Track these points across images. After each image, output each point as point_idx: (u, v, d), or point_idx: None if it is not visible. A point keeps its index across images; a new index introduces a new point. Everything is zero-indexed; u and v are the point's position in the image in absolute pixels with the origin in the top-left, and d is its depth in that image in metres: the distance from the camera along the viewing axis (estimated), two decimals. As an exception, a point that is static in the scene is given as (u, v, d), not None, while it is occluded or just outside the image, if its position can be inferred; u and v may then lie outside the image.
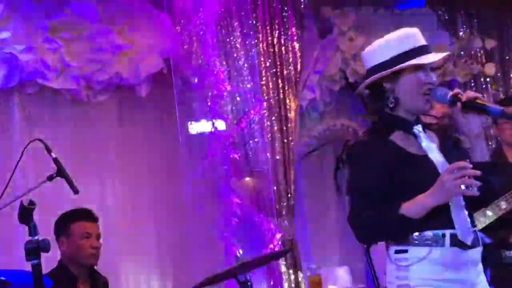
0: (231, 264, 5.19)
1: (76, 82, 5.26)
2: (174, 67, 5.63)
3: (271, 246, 5.65)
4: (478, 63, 6.76)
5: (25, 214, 3.31)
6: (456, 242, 2.99)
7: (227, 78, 5.73)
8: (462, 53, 6.70)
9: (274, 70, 6.01)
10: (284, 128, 5.96)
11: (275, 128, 5.92)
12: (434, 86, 3.14)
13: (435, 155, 3.09)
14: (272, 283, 5.77)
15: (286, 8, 6.11)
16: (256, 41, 5.93)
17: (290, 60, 6.09)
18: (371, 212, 2.98)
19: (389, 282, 3.09)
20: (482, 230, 4.95)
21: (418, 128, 3.13)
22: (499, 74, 6.97)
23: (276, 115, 5.93)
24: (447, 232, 2.99)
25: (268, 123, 5.91)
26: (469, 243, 3.00)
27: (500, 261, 4.91)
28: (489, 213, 4.77)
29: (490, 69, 6.73)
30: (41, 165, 4.47)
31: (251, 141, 5.79)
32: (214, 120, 5.69)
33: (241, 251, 5.45)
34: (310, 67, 6.24)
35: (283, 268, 5.76)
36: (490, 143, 6.62)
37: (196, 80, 5.66)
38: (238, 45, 5.83)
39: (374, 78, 3.13)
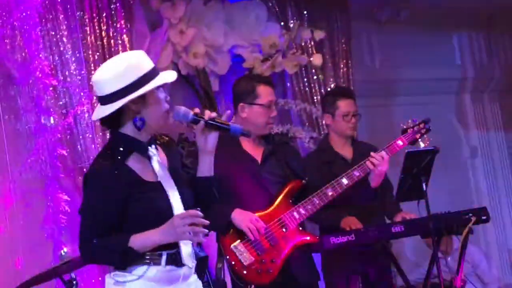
0: (60, 263, 5.06)
1: None
2: (-4, 62, 5.44)
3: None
4: (307, 54, 6.86)
5: None
6: (171, 260, 3.20)
7: (53, 72, 5.56)
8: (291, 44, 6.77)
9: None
10: (114, 121, 5.83)
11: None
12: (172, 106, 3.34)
13: (167, 182, 3.27)
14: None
15: (114, 0, 6.00)
16: (83, 34, 5.79)
17: (120, 53, 5.98)
18: (100, 242, 3.14)
19: None
20: (310, 219, 5.06)
21: (152, 151, 3.31)
22: (330, 65, 7.13)
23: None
24: (164, 252, 3.19)
25: (98, 117, 5.77)
26: (191, 266, 3.26)
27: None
28: (316, 200, 4.84)
29: (317, 59, 6.83)
30: None
31: (80, 137, 5.65)
32: (40, 116, 5.51)
33: (65, 250, 5.31)
34: (141, 60, 6.14)
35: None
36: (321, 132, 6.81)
37: (19, 75, 5.47)
38: (64, 39, 5.67)
39: (123, 102, 3.18)
